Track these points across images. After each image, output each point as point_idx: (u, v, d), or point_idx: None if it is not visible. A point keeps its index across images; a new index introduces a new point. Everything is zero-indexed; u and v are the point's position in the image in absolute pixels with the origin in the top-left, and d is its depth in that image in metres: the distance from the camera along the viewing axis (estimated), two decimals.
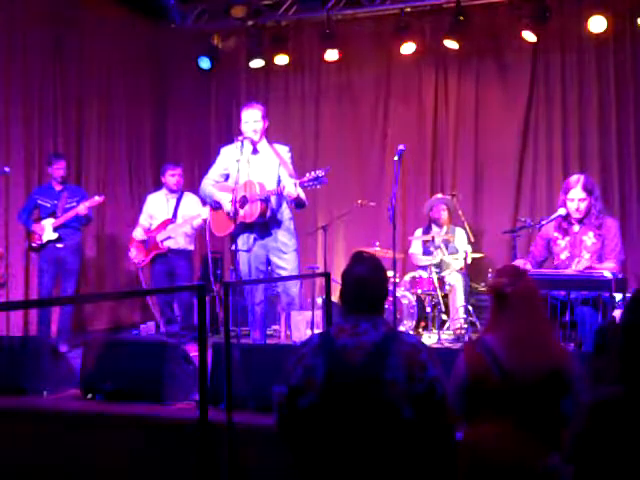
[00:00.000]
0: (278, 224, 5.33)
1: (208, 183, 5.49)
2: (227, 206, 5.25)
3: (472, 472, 2.48)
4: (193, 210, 6.68)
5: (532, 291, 2.74)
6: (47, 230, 6.40)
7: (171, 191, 6.83)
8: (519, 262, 4.90)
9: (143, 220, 6.86)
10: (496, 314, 2.71)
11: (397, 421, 2.27)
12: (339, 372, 2.33)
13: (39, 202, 6.50)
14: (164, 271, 6.71)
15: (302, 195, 5.17)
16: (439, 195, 7.32)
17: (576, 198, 4.82)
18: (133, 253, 6.74)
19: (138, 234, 6.75)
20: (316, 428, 2.33)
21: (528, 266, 4.88)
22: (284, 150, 5.44)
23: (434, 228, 7.03)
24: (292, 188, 5.06)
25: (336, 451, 2.30)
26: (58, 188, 6.56)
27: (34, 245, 6.45)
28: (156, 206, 6.85)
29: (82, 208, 6.41)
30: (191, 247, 6.85)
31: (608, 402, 1.58)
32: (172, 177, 6.81)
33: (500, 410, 2.53)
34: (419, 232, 7.09)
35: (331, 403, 2.31)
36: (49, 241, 6.41)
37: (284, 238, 5.34)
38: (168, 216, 6.75)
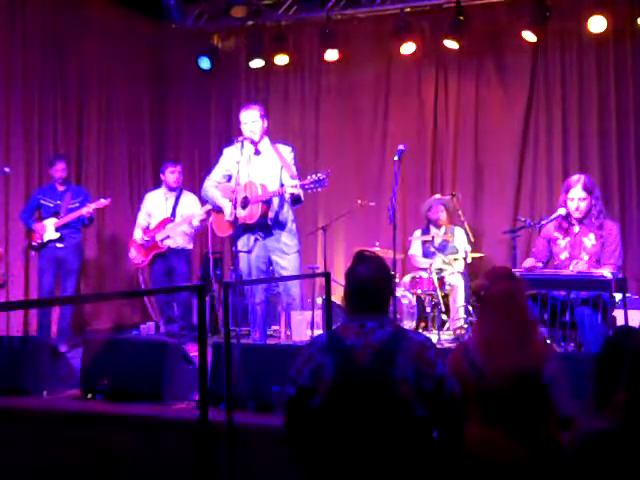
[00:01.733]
0: (281, 226, 5.31)
1: (210, 185, 5.47)
2: (229, 216, 5.22)
3: (456, 468, 2.51)
4: (191, 209, 6.69)
5: (510, 294, 2.69)
6: (49, 229, 6.39)
7: (170, 189, 6.84)
8: (530, 261, 4.90)
9: (141, 219, 6.87)
10: (479, 316, 2.76)
11: (411, 419, 2.28)
12: (348, 371, 2.32)
13: (42, 202, 6.50)
14: (163, 270, 6.72)
15: (300, 192, 5.16)
16: (437, 196, 7.30)
17: (576, 197, 4.81)
18: (133, 254, 6.74)
19: (138, 236, 6.75)
20: (327, 428, 2.33)
21: (539, 264, 4.88)
22: (286, 150, 5.41)
23: (432, 229, 7.02)
24: (293, 190, 5.05)
25: (348, 450, 2.30)
26: (61, 188, 6.56)
27: (34, 244, 6.45)
28: (154, 205, 6.85)
29: (87, 210, 6.41)
30: (190, 246, 6.86)
31: (604, 434, 1.53)
32: (172, 174, 6.81)
33: (480, 410, 2.57)
34: (418, 233, 7.08)
35: (341, 402, 2.31)
36: (50, 240, 6.40)
37: (286, 239, 5.32)
38: (167, 215, 6.75)
